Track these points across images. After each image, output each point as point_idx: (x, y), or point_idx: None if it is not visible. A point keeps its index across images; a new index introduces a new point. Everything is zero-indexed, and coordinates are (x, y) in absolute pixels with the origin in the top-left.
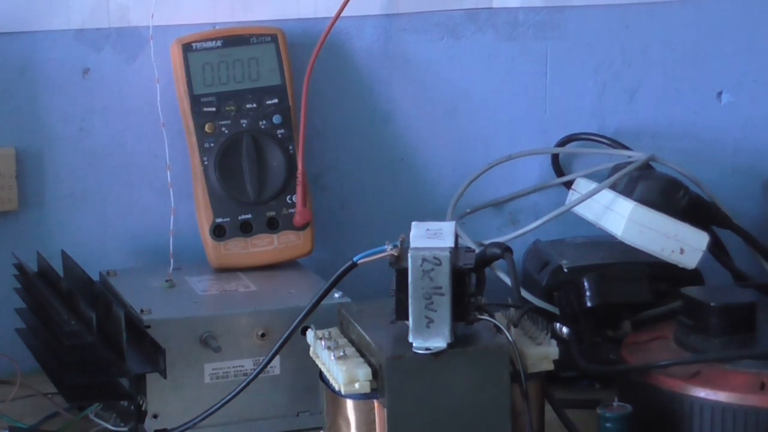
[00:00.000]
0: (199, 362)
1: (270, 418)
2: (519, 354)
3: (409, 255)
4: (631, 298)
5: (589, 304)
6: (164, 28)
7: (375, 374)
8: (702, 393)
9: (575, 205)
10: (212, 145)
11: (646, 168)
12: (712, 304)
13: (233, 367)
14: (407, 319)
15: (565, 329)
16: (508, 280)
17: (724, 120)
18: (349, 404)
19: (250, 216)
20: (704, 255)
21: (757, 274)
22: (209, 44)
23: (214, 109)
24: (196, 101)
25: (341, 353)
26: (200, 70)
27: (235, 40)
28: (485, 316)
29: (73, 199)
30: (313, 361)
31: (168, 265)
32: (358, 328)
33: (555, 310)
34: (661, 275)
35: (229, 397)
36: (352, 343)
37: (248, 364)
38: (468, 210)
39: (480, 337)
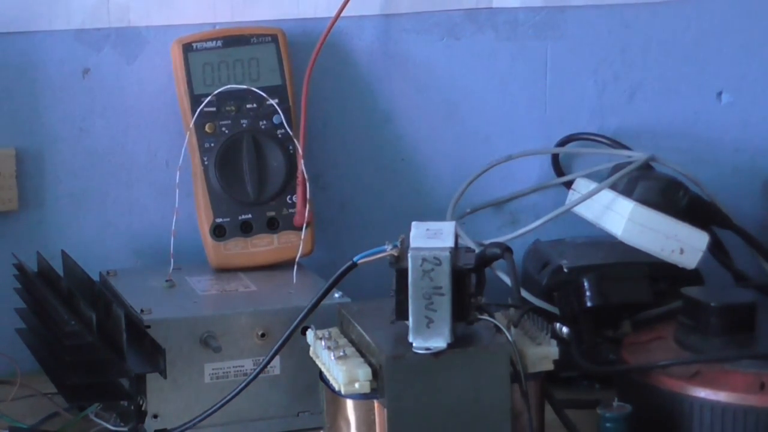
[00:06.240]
0: (199, 362)
1: (270, 418)
2: (519, 354)
3: (409, 255)
4: (631, 298)
5: (589, 304)
6: (164, 28)
7: (375, 374)
8: (702, 393)
9: (575, 205)
10: (212, 145)
11: (646, 168)
12: (712, 304)
13: (233, 367)
14: (407, 319)
15: (565, 329)
16: (508, 280)
17: (724, 120)
18: (349, 404)
19: (250, 216)
20: (704, 255)
21: (757, 274)
22: (210, 44)
23: (214, 109)
24: (196, 101)
25: (341, 353)
26: (200, 70)
27: (235, 40)
28: (485, 316)
29: (73, 199)
30: (313, 361)
31: (168, 265)
32: (358, 328)
33: (555, 310)
34: (661, 275)
35: (229, 397)
36: (352, 343)
37: (248, 364)
38: (468, 210)
39: (480, 337)
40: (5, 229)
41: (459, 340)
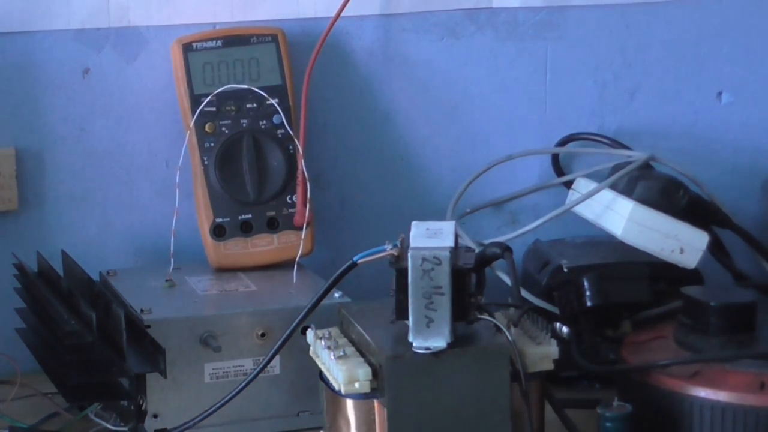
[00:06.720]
0: (199, 362)
1: (270, 418)
2: (519, 354)
3: (409, 255)
4: (631, 298)
5: (589, 303)
6: (164, 28)
7: (375, 374)
8: (702, 393)
9: (575, 205)
10: (212, 144)
11: (646, 168)
12: (712, 304)
13: (233, 367)
14: (407, 318)
15: (565, 329)
16: (508, 280)
17: (724, 120)
18: (349, 404)
19: (250, 216)
20: (704, 255)
21: (757, 274)
22: (209, 44)
23: (214, 108)
24: (196, 101)
25: (341, 353)
26: (200, 69)
27: (235, 40)
28: (485, 316)
29: (73, 199)
30: (313, 361)
31: (168, 265)
32: (358, 327)
33: (555, 310)
34: (661, 275)
35: (229, 397)
36: (352, 342)
37: (248, 364)
38: (468, 210)
39: (480, 337)
40: (5, 229)
41: (459, 340)
